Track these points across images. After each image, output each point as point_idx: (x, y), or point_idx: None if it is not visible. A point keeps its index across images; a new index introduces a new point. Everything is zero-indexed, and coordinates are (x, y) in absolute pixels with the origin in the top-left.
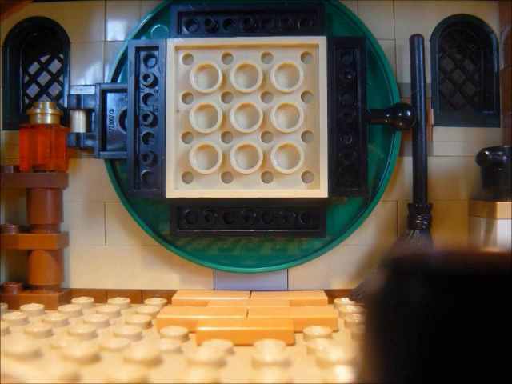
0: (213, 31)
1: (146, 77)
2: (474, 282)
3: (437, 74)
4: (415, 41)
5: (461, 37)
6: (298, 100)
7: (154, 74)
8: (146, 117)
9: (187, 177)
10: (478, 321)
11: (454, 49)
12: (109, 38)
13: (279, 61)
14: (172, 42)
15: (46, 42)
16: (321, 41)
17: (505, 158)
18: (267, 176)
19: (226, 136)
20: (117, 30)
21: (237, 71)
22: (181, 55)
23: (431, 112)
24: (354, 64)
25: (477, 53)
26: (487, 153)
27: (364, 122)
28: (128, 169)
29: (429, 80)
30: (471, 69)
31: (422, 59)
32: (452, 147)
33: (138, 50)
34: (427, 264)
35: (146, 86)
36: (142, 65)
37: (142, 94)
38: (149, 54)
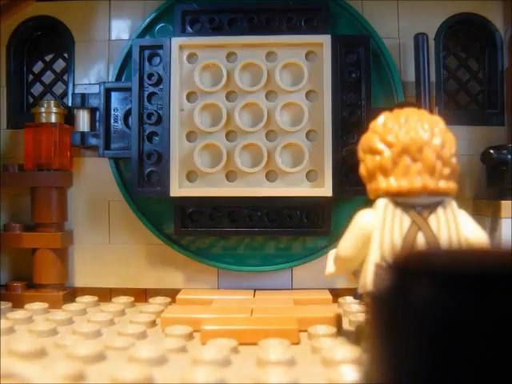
0: (217, 30)
1: (150, 75)
2: (480, 280)
3: (441, 73)
4: (419, 39)
5: (465, 35)
6: (302, 99)
7: (158, 73)
8: (150, 115)
9: (191, 175)
10: (485, 319)
11: (459, 47)
12: (113, 37)
13: (283, 59)
14: (176, 41)
15: (51, 41)
16: (325, 39)
17: (509, 156)
18: (271, 175)
19: (230, 135)
20: (121, 29)
21: (241, 70)
22: (185, 54)
23: (435, 110)
24: (358, 63)
25: (481, 51)
26: (492, 151)
27: (368, 121)
28: (132, 167)
29: (433, 79)
30: (475, 67)
31: (426, 58)
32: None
33: (142, 48)
34: (433, 263)
35: (150, 84)
36: (147, 63)
37: (146, 93)
38: (153, 52)
